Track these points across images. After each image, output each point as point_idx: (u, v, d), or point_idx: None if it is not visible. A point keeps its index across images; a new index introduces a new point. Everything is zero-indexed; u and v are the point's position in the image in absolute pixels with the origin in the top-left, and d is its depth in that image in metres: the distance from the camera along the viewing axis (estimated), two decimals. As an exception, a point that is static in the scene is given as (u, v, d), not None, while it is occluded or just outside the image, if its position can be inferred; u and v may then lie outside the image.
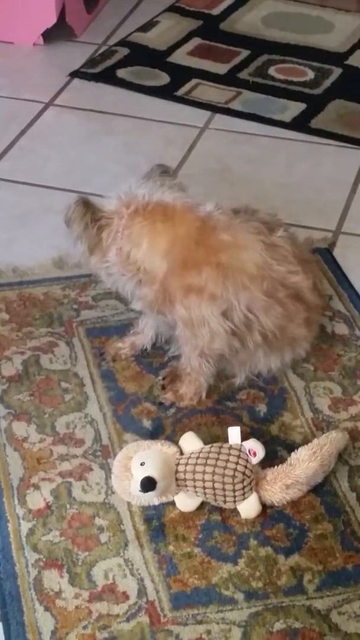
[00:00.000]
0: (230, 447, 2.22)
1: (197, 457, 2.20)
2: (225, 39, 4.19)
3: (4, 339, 2.65)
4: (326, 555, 2.12)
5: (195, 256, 2.31)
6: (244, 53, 4.09)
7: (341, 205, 3.23)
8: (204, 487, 2.17)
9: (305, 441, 2.32)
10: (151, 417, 2.44)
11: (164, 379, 2.51)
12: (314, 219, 3.13)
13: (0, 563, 2.10)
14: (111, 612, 2.01)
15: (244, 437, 2.25)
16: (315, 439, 2.28)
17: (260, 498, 2.19)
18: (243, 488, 2.17)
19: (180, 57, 4.05)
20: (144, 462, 2.18)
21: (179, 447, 2.27)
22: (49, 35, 4.12)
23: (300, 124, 3.63)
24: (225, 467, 2.17)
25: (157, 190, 2.34)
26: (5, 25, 4.09)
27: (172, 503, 2.21)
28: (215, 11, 4.42)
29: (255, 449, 2.22)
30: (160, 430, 2.40)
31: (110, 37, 4.23)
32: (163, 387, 2.50)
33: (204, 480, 2.17)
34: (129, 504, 2.22)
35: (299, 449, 2.26)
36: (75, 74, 3.94)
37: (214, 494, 2.18)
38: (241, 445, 2.23)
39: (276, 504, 2.21)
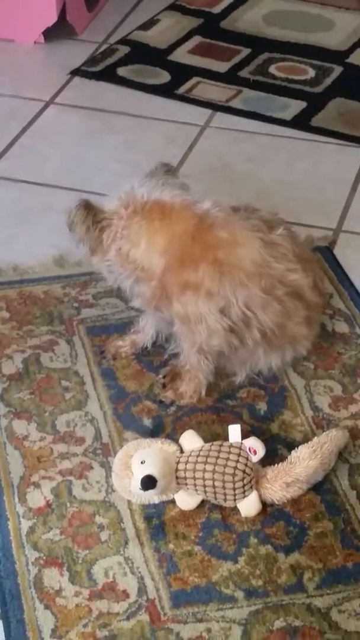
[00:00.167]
0: (231, 446, 2.22)
1: (198, 456, 2.20)
2: (225, 37, 4.19)
3: (4, 338, 2.65)
4: (326, 554, 2.12)
5: (192, 253, 2.32)
6: (245, 51, 4.08)
7: (342, 204, 3.22)
8: (204, 485, 2.17)
9: (306, 439, 2.32)
10: (151, 415, 2.44)
11: (164, 377, 2.52)
12: (315, 217, 3.13)
13: (0, 561, 2.10)
14: (111, 611, 2.01)
15: (244, 436, 2.25)
16: (316, 437, 2.28)
17: (260, 496, 2.19)
18: (243, 486, 2.17)
19: (180, 55, 4.05)
20: (144, 461, 2.18)
21: (179, 445, 2.27)
22: (50, 34, 4.12)
23: (300, 122, 3.63)
24: (225, 466, 2.17)
25: (157, 189, 2.35)
26: (6, 23, 4.09)
27: (173, 501, 2.21)
28: (216, 9, 4.41)
29: (256, 447, 2.22)
30: (161, 429, 2.40)
31: (111, 36, 4.23)
32: (163, 386, 2.50)
33: (204, 479, 2.17)
34: (129, 502, 2.22)
35: (299, 447, 2.26)
36: (75, 72, 3.94)
37: (214, 492, 2.18)
38: (241, 443, 2.23)
39: (276, 502, 2.21)
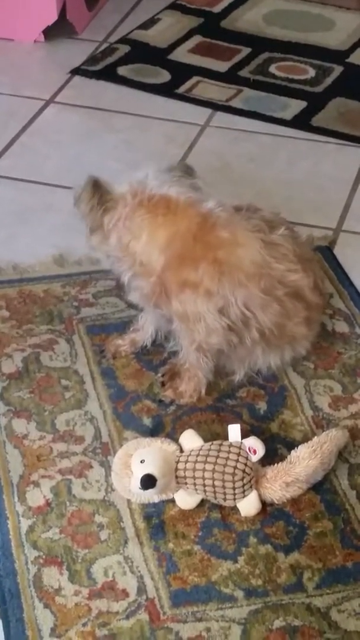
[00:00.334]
0: (230, 445, 2.22)
1: (197, 455, 2.20)
2: (226, 36, 4.19)
3: (4, 336, 2.65)
4: (326, 553, 2.12)
5: (192, 252, 2.32)
6: (245, 51, 4.08)
7: (342, 203, 3.22)
8: (204, 485, 2.17)
9: (305, 439, 2.32)
10: (151, 414, 2.44)
11: (163, 376, 2.52)
12: (315, 217, 3.13)
13: (0, 560, 2.10)
14: (111, 610, 2.01)
15: (244, 435, 2.25)
16: (315, 437, 2.28)
17: (260, 496, 2.19)
18: (243, 486, 2.17)
19: (181, 54, 4.04)
20: (143, 460, 2.18)
21: (179, 444, 2.27)
22: (50, 33, 4.12)
23: (301, 122, 3.63)
24: (225, 465, 2.17)
25: (166, 184, 2.35)
26: (5, 22, 4.09)
27: (172, 501, 2.21)
28: (216, 9, 4.41)
29: (255, 446, 2.22)
30: (160, 428, 2.40)
31: (111, 35, 4.22)
32: (163, 385, 2.50)
33: (203, 478, 2.17)
34: (128, 501, 2.21)
35: (299, 446, 2.25)
36: (76, 72, 3.94)
37: (214, 492, 2.18)
38: (241, 443, 2.23)
39: (276, 502, 2.21)
